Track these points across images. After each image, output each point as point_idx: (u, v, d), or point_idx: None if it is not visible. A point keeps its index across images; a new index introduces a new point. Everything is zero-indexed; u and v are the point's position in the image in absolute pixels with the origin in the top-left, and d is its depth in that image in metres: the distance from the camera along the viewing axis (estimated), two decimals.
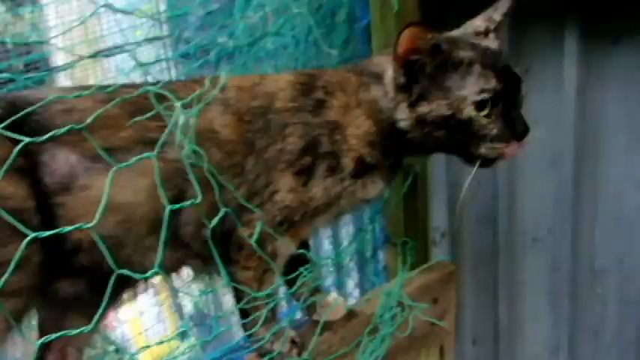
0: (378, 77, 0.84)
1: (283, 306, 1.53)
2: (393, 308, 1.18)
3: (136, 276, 0.62)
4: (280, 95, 0.86)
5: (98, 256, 0.63)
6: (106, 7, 0.82)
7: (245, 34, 1.22)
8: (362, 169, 0.85)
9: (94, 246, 0.62)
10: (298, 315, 1.20)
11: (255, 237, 0.81)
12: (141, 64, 0.98)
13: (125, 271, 0.62)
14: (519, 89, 0.79)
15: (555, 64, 1.06)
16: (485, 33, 0.83)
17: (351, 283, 1.68)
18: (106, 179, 0.61)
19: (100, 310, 0.62)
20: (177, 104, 0.71)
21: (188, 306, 2.83)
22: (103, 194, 0.60)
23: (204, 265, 0.92)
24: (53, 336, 0.59)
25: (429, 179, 1.40)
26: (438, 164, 1.39)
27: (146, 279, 0.69)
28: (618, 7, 0.94)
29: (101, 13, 0.99)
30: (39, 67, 1.16)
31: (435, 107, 0.79)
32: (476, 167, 0.81)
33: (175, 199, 0.74)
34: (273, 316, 0.92)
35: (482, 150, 0.79)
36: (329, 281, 1.64)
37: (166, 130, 0.69)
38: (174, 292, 1.56)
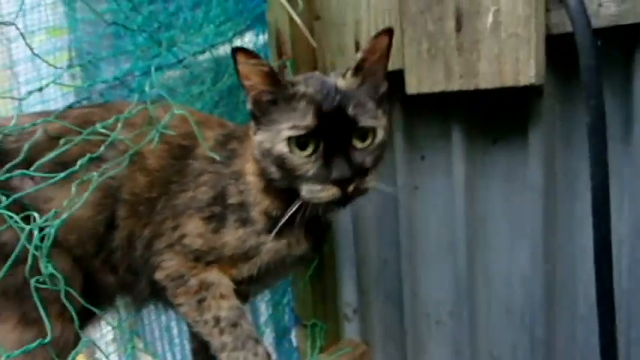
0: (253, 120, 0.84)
1: None
2: None
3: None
4: (201, 146, 0.88)
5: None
6: None
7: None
8: (274, 224, 0.83)
9: None
10: None
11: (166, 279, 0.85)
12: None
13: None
14: (349, 135, 0.76)
15: (445, 156, 1.10)
16: (344, 72, 0.80)
17: None
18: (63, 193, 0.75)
19: None
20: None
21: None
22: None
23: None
24: None
25: (336, 257, 1.40)
26: (346, 240, 1.39)
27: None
28: (494, 112, 0.99)
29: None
30: None
31: (262, 139, 0.79)
32: (295, 206, 0.78)
33: (108, 221, 0.84)
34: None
35: (304, 192, 0.77)
36: None
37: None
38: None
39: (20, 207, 0.74)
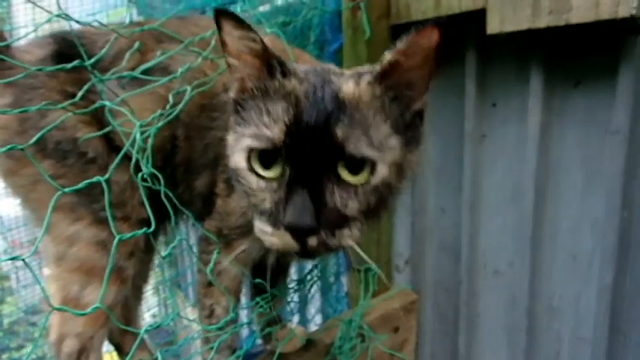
0: None
1: (244, 333, 1.49)
2: (353, 339, 1.16)
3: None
4: None
5: None
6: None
7: None
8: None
9: None
10: (258, 343, 1.17)
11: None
12: None
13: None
14: (333, 165, 0.56)
15: (520, 101, 1.08)
16: (358, 75, 0.61)
17: (313, 309, 1.66)
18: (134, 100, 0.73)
19: None
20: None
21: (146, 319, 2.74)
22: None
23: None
24: None
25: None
26: (403, 195, 1.39)
27: None
28: (579, 53, 0.96)
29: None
30: None
31: (229, 140, 0.63)
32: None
33: (172, 139, 0.83)
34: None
35: (255, 228, 0.59)
36: (292, 305, 1.61)
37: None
38: None
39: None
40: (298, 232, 0.53)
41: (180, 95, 0.78)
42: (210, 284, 0.87)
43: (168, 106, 0.74)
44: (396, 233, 1.44)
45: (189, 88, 0.79)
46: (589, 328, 1.03)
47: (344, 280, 1.49)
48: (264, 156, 0.57)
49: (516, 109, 1.10)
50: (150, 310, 2.66)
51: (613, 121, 0.93)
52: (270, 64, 0.59)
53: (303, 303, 1.70)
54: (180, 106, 0.78)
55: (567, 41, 0.96)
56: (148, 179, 0.69)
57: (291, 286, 1.31)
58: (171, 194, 0.71)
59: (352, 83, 0.59)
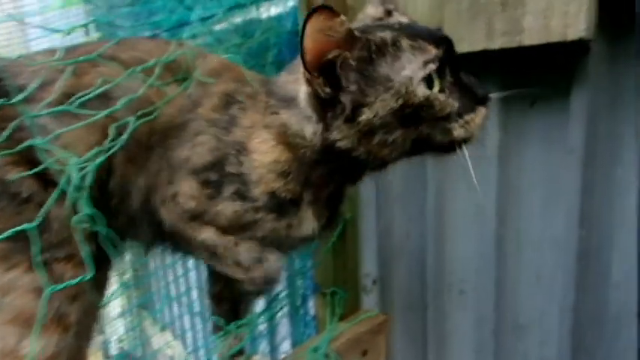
0: (289, 101, 0.73)
1: None
2: None
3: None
4: (206, 102, 0.79)
5: None
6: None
7: None
8: (279, 205, 0.77)
9: None
10: None
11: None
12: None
13: None
14: (455, 51, 0.68)
15: None
16: (388, 13, 0.74)
17: (282, 333, 1.62)
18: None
19: None
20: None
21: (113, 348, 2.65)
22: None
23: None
24: None
25: (359, 226, 1.38)
26: (369, 210, 1.37)
27: None
28: (534, 73, 0.97)
29: None
30: None
31: (380, 106, 0.64)
32: (467, 155, 0.70)
33: (107, 165, 0.75)
34: None
35: (456, 132, 0.67)
36: (259, 332, 1.57)
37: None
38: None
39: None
40: (488, 96, 0.69)
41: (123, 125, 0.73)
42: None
43: (107, 140, 0.70)
44: (363, 256, 1.42)
45: (132, 118, 0.75)
46: (554, 348, 1.03)
47: (311, 303, 1.45)
48: (429, 78, 0.66)
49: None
50: (116, 335, 2.56)
51: (568, 140, 0.93)
52: (352, 31, 0.66)
53: (271, 329, 1.65)
54: (125, 136, 0.73)
55: (523, 61, 0.97)
56: (87, 220, 0.65)
57: (258, 315, 1.27)
58: (113, 235, 0.67)
59: None
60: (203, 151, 0.77)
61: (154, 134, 0.79)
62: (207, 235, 0.81)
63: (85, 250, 0.63)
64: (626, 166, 0.88)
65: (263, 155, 0.76)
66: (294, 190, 0.77)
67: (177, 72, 0.81)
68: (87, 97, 0.71)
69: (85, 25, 1.25)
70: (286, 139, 0.74)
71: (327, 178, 0.77)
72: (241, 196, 0.76)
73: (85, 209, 0.65)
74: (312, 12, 0.59)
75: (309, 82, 0.67)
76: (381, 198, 1.34)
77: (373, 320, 1.37)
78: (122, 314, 2.51)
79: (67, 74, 0.71)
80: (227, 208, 0.77)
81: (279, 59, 1.27)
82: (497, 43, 0.91)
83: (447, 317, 1.26)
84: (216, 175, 0.77)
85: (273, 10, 1.32)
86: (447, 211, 1.19)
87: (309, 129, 0.71)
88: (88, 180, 0.66)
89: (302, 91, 0.70)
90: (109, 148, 0.69)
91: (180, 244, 0.87)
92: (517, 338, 1.10)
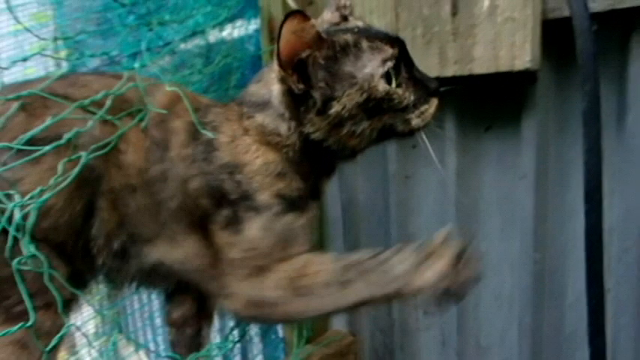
0: (262, 105, 0.76)
1: None
2: None
3: None
4: (173, 141, 0.76)
5: None
6: None
7: None
8: (291, 203, 0.75)
9: None
10: None
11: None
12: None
13: None
14: (408, 50, 0.75)
15: (437, 145, 1.09)
16: (344, 18, 0.78)
17: (254, 351, 1.60)
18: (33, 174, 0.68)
19: None
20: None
21: None
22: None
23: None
24: None
25: (326, 247, 1.39)
26: (336, 239, 1.37)
27: None
28: (488, 99, 0.99)
29: None
30: None
31: (347, 100, 0.71)
32: (426, 141, 0.77)
33: (85, 211, 0.74)
34: None
35: (414, 121, 0.74)
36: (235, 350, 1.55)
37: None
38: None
39: None
40: (439, 88, 0.74)
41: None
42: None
43: (53, 178, 0.68)
44: None
45: (84, 153, 0.73)
46: None
47: (279, 326, 1.44)
48: (388, 74, 0.71)
49: (435, 151, 1.11)
50: (89, 357, 2.50)
51: (521, 165, 0.95)
52: (320, 34, 0.71)
53: (243, 350, 1.64)
54: (76, 170, 0.72)
55: (476, 88, 0.99)
56: (29, 262, 0.64)
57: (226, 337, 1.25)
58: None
59: None
60: (202, 197, 0.75)
61: (134, 192, 0.75)
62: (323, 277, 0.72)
63: (25, 295, 0.61)
64: (574, 190, 0.90)
65: (252, 164, 0.75)
66: (299, 187, 0.77)
67: (130, 107, 0.80)
68: (35, 135, 0.69)
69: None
70: (266, 138, 0.76)
71: (309, 173, 0.79)
72: (255, 209, 0.74)
73: (29, 249, 0.63)
74: (287, 16, 0.65)
75: (283, 80, 0.72)
76: (346, 216, 1.34)
77: (341, 341, 1.36)
78: (96, 335, 2.46)
79: (12, 111, 0.70)
80: (254, 229, 0.73)
81: (242, 83, 1.27)
82: (450, 71, 0.93)
83: (413, 337, 1.26)
84: (228, 210, 0.74)
85: (236, 33, 1.32)
86: (411, 229, 1.20)
87: (284, 126, 0.75)
88: (32, 219, 0.64)
89: (275, 89, 0.74)
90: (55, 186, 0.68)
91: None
92: (480, 358, 1.11)
